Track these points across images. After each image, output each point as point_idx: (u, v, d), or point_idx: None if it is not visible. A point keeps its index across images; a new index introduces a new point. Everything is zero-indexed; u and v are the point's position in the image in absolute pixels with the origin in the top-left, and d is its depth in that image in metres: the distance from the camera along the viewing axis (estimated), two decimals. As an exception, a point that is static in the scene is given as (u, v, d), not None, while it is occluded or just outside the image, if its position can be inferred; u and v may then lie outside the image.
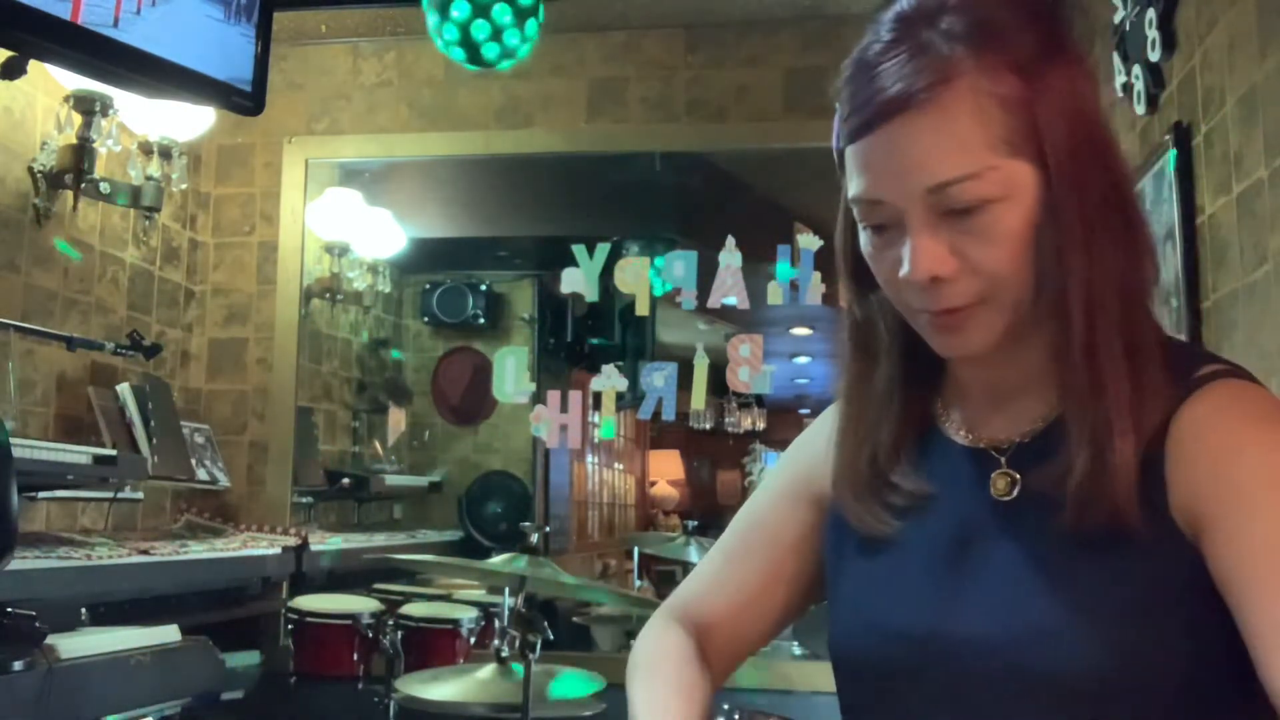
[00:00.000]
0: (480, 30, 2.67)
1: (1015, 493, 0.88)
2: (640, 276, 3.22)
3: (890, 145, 0.81)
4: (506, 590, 2.49)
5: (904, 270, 0.84)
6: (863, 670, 0.93)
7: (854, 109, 0.83)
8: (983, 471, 0.91)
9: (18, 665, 1.85)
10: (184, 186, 3.22)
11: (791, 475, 1.06)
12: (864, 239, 0.88)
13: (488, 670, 2.37)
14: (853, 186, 0.86)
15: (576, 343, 4.72)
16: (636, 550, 4.66)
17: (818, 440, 1.03)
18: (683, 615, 1.06)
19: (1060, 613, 0.82)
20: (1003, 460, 0.90)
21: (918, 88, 0.79)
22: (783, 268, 3.16)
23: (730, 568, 1.07)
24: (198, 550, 2.70)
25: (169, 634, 2.30)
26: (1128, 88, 2.44)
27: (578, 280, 3.24)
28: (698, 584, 1.09)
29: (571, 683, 2.40)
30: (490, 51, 2.70)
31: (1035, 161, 0.82)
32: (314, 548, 3.18)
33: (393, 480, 4.35)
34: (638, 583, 4.52)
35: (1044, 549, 0.85)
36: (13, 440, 1.77)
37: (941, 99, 0.79)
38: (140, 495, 3.13)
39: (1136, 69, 2.37)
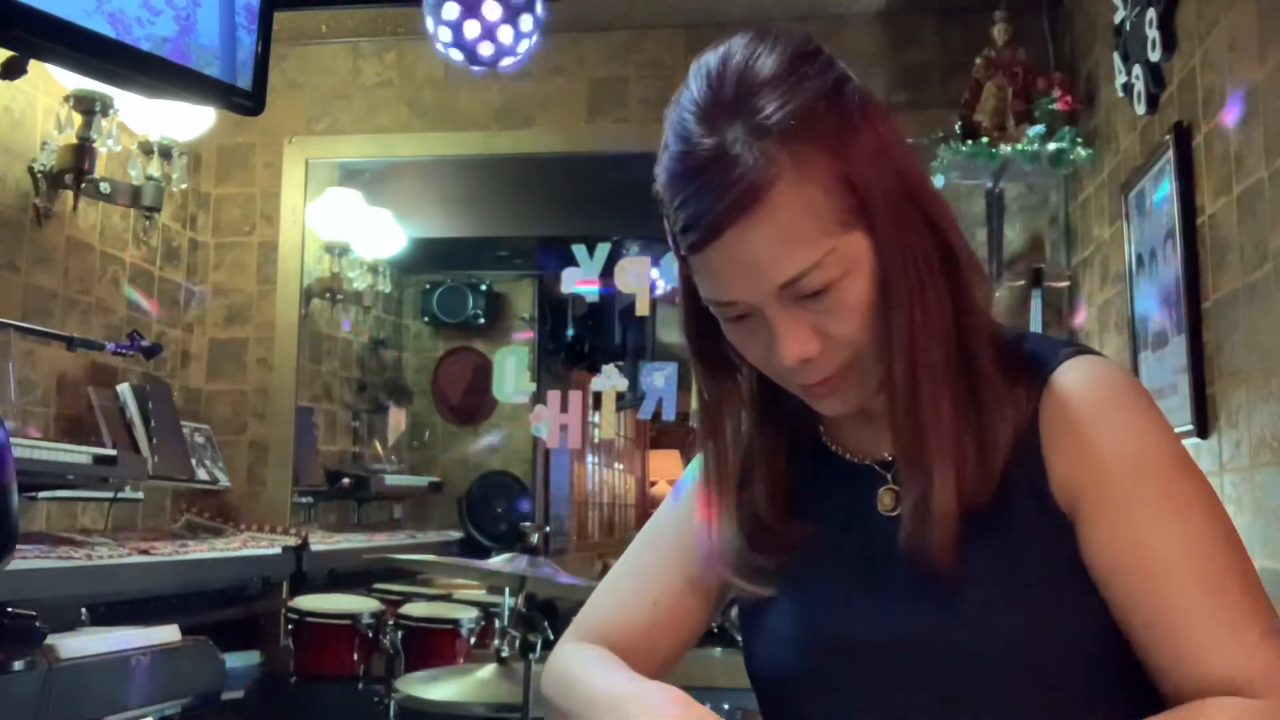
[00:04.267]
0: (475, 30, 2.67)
1: (899, 508, 0.91)
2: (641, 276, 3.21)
3: (732, 253, 0.83)
4: (506, 590, 2.49)
5: (773, 356, 0.86)
6: (780, 683, 0.96)
7: (687, 224, 0.84)
8: (870, 488, 0.94)
9: (18, 665, 1.85)
10: (184, 186, 3.22)
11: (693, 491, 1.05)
12: (726, 329, 0.90)
13: (488, 670, 2.36)
14: (704, 290, 0.88)
15: (576, 343, 4.72)
16: (636, 550, 4.65)
17: None
18: (596, 638, 1.02)
19: (954, 607, 0.85)
20: (889, 476, 0.94)
21: (746, 197, 0.81)
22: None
23: (639, 584, 1.04)
24: (198, 550, 2.70)
25: (169, 634, 2.30)
26: (1128, 88, 2.44)
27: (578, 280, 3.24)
28: (607, 604, 1.06)
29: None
30: (486, 51, 2.70)
31: (866, 228, 0.84)
32: (314, 547, 3.18)
33: (393, 480, 4.35)
34: (638, 583, 4.51)
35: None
36: (13, 440, 1.77)
37: (770, 201, 0.81)
38: (140, 495, 3.13)
39: (1136, 69, 2.37)
